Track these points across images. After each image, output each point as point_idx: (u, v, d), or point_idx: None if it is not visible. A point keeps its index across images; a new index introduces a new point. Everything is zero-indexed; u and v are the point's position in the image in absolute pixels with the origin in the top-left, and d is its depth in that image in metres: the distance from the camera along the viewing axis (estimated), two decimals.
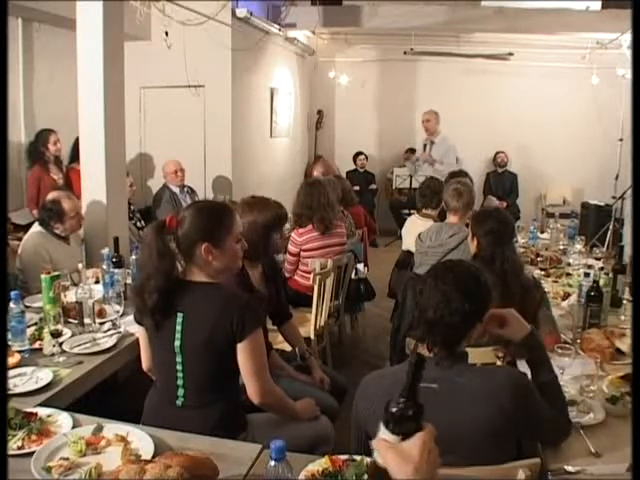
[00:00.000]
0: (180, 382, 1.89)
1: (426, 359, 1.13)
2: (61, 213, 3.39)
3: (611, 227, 6.41)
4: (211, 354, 1.86)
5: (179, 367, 1.88)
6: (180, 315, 1.87)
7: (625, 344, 2.26)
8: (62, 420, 1.72)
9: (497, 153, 8.23)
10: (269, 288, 2.63)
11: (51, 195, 3.49)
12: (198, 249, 1.87)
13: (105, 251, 3.16)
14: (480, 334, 1.69)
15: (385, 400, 1.63)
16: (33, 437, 1.61)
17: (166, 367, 1.92)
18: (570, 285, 3.27)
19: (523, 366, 1.82)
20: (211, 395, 1.90)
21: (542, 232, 4.91)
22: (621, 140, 7.55)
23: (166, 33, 5.43)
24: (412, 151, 8.37)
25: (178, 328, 1.87)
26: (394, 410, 1.12)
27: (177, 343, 1.87)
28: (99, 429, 1.65)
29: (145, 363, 2.10)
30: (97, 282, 3.04)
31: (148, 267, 1.87)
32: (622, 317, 2.73)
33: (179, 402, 1.90)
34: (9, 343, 2.19)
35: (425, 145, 6.50)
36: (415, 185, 6.61)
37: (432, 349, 1.59)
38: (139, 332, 2.09)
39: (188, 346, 1.87)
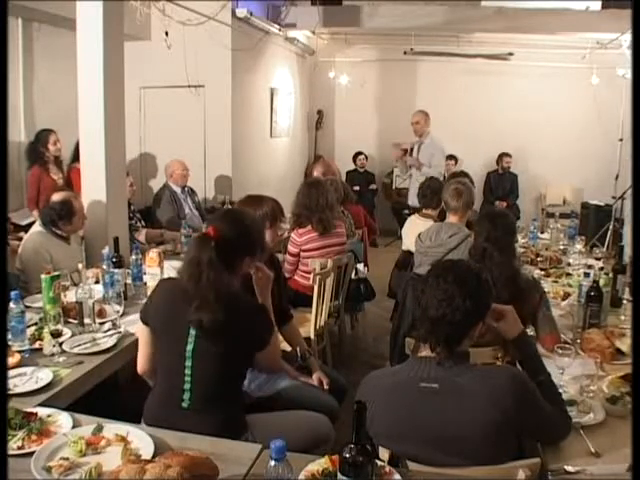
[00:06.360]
0: (187, 386, 1.87)
1: (367, 406, 1.22)
2: (71, 213, 3.40)
3: (611, 227, 6.43)
4: (225, 362, 1.86)
5: (187, 371, 1.86)
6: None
7: (625, 344, 2.26)
8: (62, 420, 1.71)
9: (503, 156, 8.07)
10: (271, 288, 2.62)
11: (58, 195, 3.48)
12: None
13: (105, 251, 3.17)
14: (481, 333, 1.69)
15: (385, 400, 1.62)
16: (33, 437, 1.61)
17: (172, 371, 1.90)
18: (570, 285, 3.26)
19: None
20: (217, 399, 1.90)
21: (542, 232, 4.91)
22: (621, 140, 7.55)
23: (166, 33, 5.42)
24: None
25: (193, 332, 1.85)
26: (347, 456, 1.16)
27: (189, 347, 1.85)
28: (99, 429, 1.65)
29: (142, 365, 2.03)
30: (97, 282, 3.03)
31: None
32: (622, 317, 2.74)
33: (184, 404, 1.88)
34: (9, 343, 2.19)
35: (412, 149, 6.15)
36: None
37: (434, 348, 1.60)
38: (140, 331, 2.04)
39: (201, 352, 1.85)
